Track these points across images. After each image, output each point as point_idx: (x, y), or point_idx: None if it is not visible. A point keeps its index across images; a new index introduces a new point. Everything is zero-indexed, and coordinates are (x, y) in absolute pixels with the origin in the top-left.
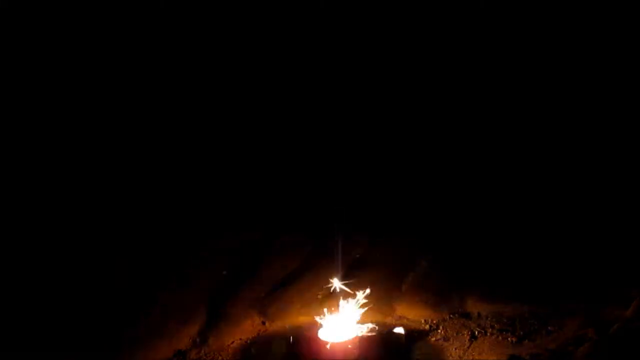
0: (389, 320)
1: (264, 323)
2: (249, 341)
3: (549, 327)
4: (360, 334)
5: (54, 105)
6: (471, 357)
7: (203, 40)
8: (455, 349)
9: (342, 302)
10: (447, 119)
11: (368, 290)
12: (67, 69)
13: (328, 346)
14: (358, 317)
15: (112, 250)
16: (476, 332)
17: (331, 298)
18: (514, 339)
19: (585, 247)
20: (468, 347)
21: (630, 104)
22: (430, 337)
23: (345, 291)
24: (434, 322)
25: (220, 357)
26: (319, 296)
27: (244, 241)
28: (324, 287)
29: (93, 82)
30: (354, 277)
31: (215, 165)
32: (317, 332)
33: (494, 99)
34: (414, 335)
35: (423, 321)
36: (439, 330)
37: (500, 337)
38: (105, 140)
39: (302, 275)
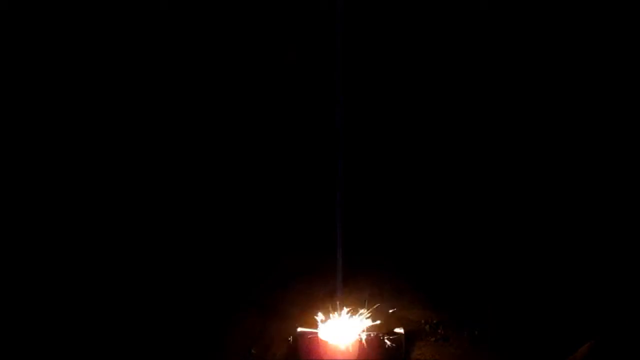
0: (388, 320)
1: (264, 323)
2: (249, 341)
3: (549, 328)
4: (360, 334)
5: (63, 106)
6: (471, 358)
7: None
8: (455, 348)
9: (342, 303)
10: (448, 122)
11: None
12: (68, 69)
13: (328, 346)
14: (358, 318)
15: (110, 255)
16: (476, 332)
17: (331, 298)
18: (514, 339)
19: (585, 249)
20: (468, 348)
21: (630, 110)
22: (430, 337)
23: (346, 292)
24: (434, 322)
25: (220, 358)
26: (319, 296)
27: (245, 243)
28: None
29: (105, 85)
30: (355, 278)
31: (218, 165)
32: (317, 333)
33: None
34: (414, 335)
35: (423, 321)
36: (439, 330)
37: (500, 337)
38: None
39: (302, 276)
